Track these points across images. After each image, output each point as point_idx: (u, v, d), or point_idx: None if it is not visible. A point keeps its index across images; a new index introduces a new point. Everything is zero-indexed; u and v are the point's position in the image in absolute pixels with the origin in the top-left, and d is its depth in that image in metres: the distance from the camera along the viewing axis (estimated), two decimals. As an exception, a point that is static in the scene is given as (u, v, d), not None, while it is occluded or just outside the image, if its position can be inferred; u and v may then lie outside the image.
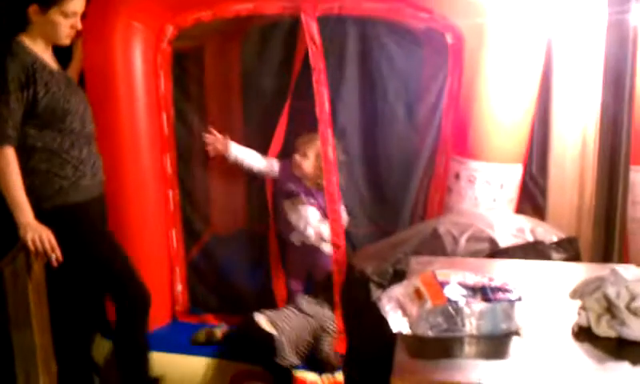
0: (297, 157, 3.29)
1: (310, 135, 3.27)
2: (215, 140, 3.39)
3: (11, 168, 2.45)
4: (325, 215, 3.28)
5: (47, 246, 2.48)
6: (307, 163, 3.27)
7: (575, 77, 2.84)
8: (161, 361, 3.10)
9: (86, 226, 2.70)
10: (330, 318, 3.12)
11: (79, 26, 2.61)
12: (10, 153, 2.46)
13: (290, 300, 3.40)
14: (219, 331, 3.26)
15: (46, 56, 2.61)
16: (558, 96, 2.91)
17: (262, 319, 3.07)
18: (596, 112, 2.61)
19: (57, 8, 2.52)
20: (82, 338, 2.93)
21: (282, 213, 3.41)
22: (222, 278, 3.66)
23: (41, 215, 2.51)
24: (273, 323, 3.05)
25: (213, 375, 3.08)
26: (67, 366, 2.79)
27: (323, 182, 3.21)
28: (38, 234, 2.46)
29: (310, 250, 3.37)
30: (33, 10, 2.51)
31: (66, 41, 2.62)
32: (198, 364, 3.08)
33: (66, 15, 2.54)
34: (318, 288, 3.33)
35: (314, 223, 3.29)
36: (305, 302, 3.21)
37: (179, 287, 3.48)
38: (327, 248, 3.32)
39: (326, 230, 3.27)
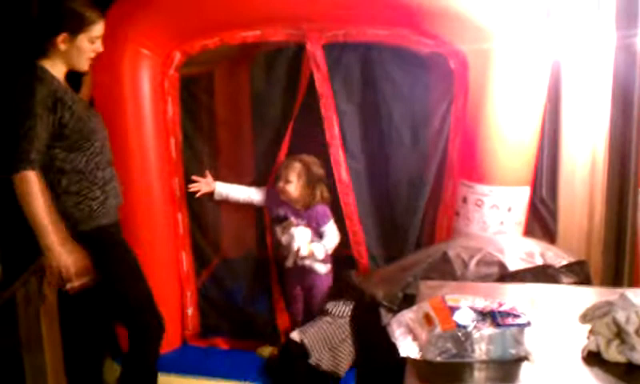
0: (280, 184, 3.32)
1: (288, 160, 3.33)
2: (200, 185, 3.45)
3: (34, 191, 2.45)
4: (316, 234, 3.32)
5: (65, 274, 2.49)
6: (291, 187, 3.30)
7: (584, 99, 2.84)
8: (171, 383, 3.11)
9: (118, 245, 2.73)
10: None
11: (101, 48, 2.66)
12: (33, 177, 2.46)
13: (293, 325, 3.41)
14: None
15: (63, 81, 2.64)
16: (567, 118, 2.91)
17: (295, 334, 3.15)
18: (605, 134, 2.62)
19: (84, 34, 2.56)
20: (93, 360, 2.94)
21: (274, 239, 3.43)
22: (230, 301, 3.66)
23: (79, 237, 2.54)
24: (302, 332, 3.13)
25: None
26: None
27: (313, 201, 3.31)
28: (56, 260, 2.47)
29: (305, 272, 3.38)
30: (62, 38, 2.54)
31: (86, 66, 2.66)
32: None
33: (92, 41, 2.59)
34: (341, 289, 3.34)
35: (305, 243, 3.29)
36: (332, 306, 3.25)
37: (190, 310, 3.49)
38: (322, 268, 3.36)
39: (318, 249, 3.29)
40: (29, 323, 2.65)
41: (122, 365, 2.91)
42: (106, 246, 2.67)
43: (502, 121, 2.85)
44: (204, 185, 3.46)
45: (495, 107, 2.85)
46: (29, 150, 2.44)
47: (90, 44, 2.59)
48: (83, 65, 2.64)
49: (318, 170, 3.33)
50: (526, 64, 2.82)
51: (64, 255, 2.48)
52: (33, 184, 2.45)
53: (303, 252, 3.28)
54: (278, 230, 3.38)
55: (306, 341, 3.07)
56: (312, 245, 3.30)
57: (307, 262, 3.34)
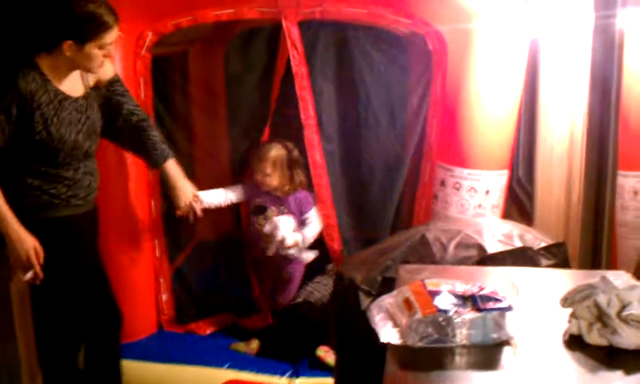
0: (258, 178, 3.26)
1: (264, 148, 3.25)
2: (195, 206, 3.05)
3: None
4: (299, 222, 3.27)
5: (31, 258, 2.43)
6: (270, 179, 3.24)
7: (562, 80, 2.83)
8: (147, 370, 3.07)
9: (74, 239, 2.66)
10: None
11: (112, 53, 2.56)
12: None
13: (273, 305, 3.44)
14: (254, 344, 3.29)
15: (67, 80, 2.54)
16: (545, 100, 2.89)
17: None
18: (583, 115, 2.61)
19: (93, 43, 2.44)
20: (68, 348, 2.88)
21: (254, 231, 3.36)
22: (207, 284, 3.63)
23: (32, 224, 2.47)
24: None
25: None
26: (53, 377, 2.74)
27: (293, 187, 3.27)
28: (20, 247, 2.41)
29: (285, 260, 3.33)
30: (67, 45, 2.42)
31: (97, 70, 2.57)
32: (185, 373, 3.05)
33: (102, 47, 2.46)
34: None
35: (289, 232, 3.23)
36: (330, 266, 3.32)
37: (164, 296, 3.45)
38: (305, 255, 3.32)
39: (302, 237, 3.25)
40: (1, 313, 2.59)
41: (84, 356, 2.88)
42: (64, 235, 2.60)
43: (480, 103, 2.84)
44: (198, 205, 3.04)
45: (474, 89, 2.84)
46: None
47: (99, 50, 2.45)
48: (94, 69, 2.54)
49: (296, 155, 3.26)
50: (504, 44, 2.80)
51: (28, 239, 2.43)
52: None
53: (289, 241, 3.21)
54: (259, 219, 3.32)
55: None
56: (296, 234, 3.24)
57: (291, 251, 3.26)
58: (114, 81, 2.74)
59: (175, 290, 3.50)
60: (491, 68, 2.82)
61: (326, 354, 3.05)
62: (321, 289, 3.30)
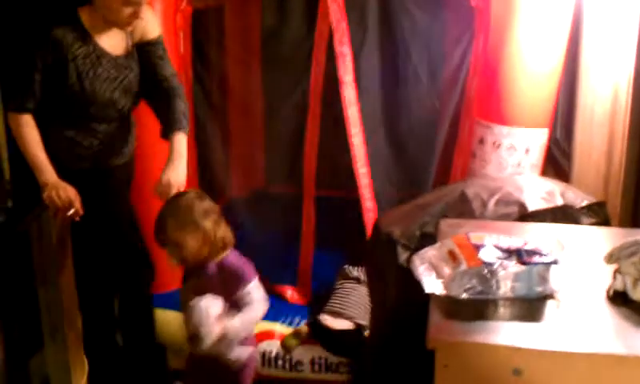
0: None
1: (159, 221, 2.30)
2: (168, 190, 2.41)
3: (29, 130, 2.45)
4: (231, 302, 2.26)
5: (66, 202, 2.47)
6: (178, 254, 2.27)
7: (607, 37, 2.77)
8: (176, 318, 3.12)
9: (107, 190, 2.70)
10: None
11: (142, 16, 2.48)
12: (28, 118, 2.45)
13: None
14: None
15: (108, 36, 2.52)
16: (588, 58, 2.84)
17: (328, 319, 2.94)
18: (629, 76, 2.56)
19: None
20: (106, 296, 2.95)
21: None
22: (239, 240, 3.64)
23: (66, 174, 2.51)
24: (338, 314, 2.95)
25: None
26: (92, 323, 2.80)
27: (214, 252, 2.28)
28: (55, 190, 2.45)
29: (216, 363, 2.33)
30: None
31: (125, 28, 2.52)
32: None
33: (126, 3, 2.39)
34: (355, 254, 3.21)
35: (212, 320, 2.21)
36: (351, 270, 3.13)
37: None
38: (236, 355, 2.33)
39: (234, 326, 2.23)
40: (42, 257, 2.63)
41: (118, 304, 2.94)
42: (98, 186, 2.64)
43: (523, 60, 2.79)
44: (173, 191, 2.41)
45: (517, 46, 2.79)
46: (24, 96, 2.43)
47: (123, 6, 2.39)
48: (119, 24, 2.48)
49: (204, 204, 2.28)
50: (548, 1, 2.75)
51: (62, 184, 2.46)
52: (28, 123, 2.45)
53: (207, 335, 2.19)
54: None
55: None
56: (226, 321, 2.23)
57: (221, 348, 2.25)
58: (155, 42, 2.67)
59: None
60: (534, 25, 2.77)
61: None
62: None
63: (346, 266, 3.19)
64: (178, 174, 2.43)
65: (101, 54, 2.52)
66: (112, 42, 2.55)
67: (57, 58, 2.43)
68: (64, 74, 2.45)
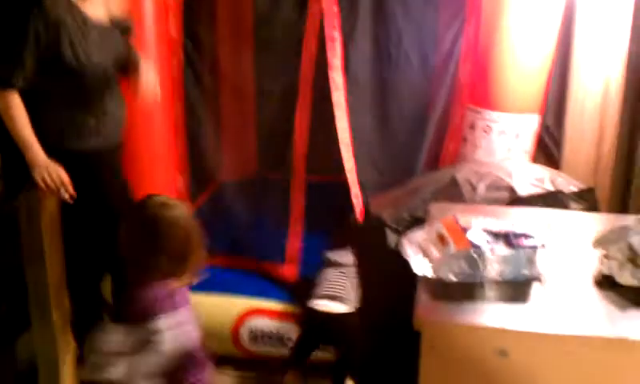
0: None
1: None
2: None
3: (17, 110, 2.42)
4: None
5: (58, 182, 2.46)
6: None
7: (600, 24, 2.77)
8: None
9: (102, 173, 2.68)
10: None
11: None
12: (16, 97, 2.42)
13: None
14: None
15: (90, 5, 2.51)
16: (580, 44, 2.85)
17: (322, 305, 2.89)
18: (620, 71, 2.56)
19: None
20: (94, 276, 2.94)
21: None
22: (229, 224, 3.63)
23: (58, 156, 2.50)
24: (333, 298, 2.88)
25: (219, 312, 3.09)
26: (79, 303, 2.80)
27: None
28: (47, 171, 2.44)
29: None
30: None
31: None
32: (206, 301, 3.07)
33: None
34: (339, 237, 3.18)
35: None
36: (334, 256, 3.06)
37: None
38: None
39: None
40: (31, 236, 2.62)
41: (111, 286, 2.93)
42: (91, 169, 2.62)
43: (515, 45, 2.78)
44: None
45: (508, 31, 2.78)
46: (13, 72, 2.38)
47: None
48: None
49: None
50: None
51: (52, 164, 2.45)
52: (16, 102, 2.42)
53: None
54: None
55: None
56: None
57: None
58: (128, 26, 2.72)
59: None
60: (526, 10, 2.76)
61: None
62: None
63: (327, 252, 3.15)
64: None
65: (89, 22, 2.51)
66: (96, 12, 2.54)
67: (50, 31, 2.40)
68: (57, 44, 2.42)
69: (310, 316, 2.91)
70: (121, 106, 2.71)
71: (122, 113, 2.72)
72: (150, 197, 2.06)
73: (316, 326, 2.89)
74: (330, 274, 2.99)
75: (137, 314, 1.95)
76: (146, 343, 1.92)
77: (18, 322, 2.88)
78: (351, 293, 2.88)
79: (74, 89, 2.52)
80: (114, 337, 1.96)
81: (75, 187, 2.52)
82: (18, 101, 2.43)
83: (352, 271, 2.92)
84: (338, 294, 2.89)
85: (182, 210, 2.01)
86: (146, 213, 2.00)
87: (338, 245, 3.07)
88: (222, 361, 3.12)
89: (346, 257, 2.99)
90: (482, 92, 2.92)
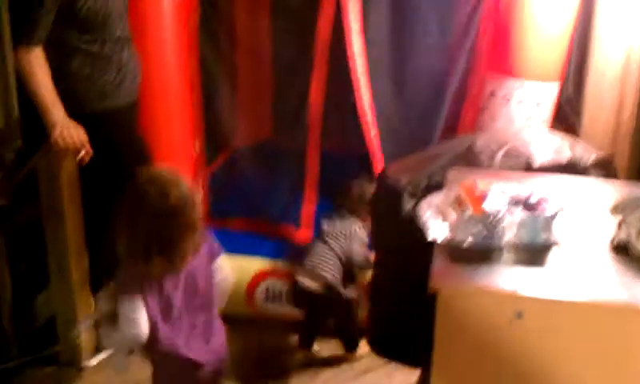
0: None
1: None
2: None
3: (40, 69, 2.44)
4: None
5: (77, 142, 2.48)
6: None
7: (621, 2, 2.74)
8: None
9: (122, 132, 2.71)
10: (358, 228, 3.03)
11: None
12: (39, 53, 2.43)
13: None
14: None
15: None
16: (602, 12, 2.80)
17: (305, 281, 2.95)
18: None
19: None
20: (112, 235, 2.97)
21: None
22: (243, 187, 3.64)
23: (79, 119, 2.51)
24: (314, 277, 2.92)
25: (234, 273, 3.09)
26: (97, 258, 2.83)
27: None
28: (66, 130, 2.46)
29: None
30: None
31: None
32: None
33: None
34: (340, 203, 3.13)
35: None
36: (327, 225, 3.05)
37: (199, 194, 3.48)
38: None
39: None
40: (50, 196, 2.66)
41: None
42: (112, 129, 2.64)
43: (535, 11, 2.75)
44: None
45: (529, -1, 2.76)
46: (34, 26, 2.40)
47: None
48: None
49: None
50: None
51: (72, 123, 2.47)
52: (39, 60, 2.43)
53: None
54: None
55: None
56: None
57: None
58: None
59: (210, 191, 3.52)
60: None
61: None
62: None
63: (323, 220, 3.12)
64: None
65: None
66: None
67: None
68: None
69: (297, 295, 2.96)
70: (137, 61, 2.72)
71: (138, 68, 2.73)
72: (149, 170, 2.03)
73: (306, 305, 2.94)
74: (319, 246, 3.00)
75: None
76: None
77: (37, 280, 2.93)
78: (333, 268, 2.90)
79: (91, 43, 2.53)
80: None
81: (93, 146, 2.54)
82: (42, 59, 2.44)
83: (341, 243, 2.94)
84: (318, 270, 2.91)
85: (175, 191, 1.91)
86: (135, 185, 1.96)
87: (337, 213, 3.07)
88: (236, 321, 3.19)
89: (340, 226, 3.00)
90: (501, 59, 2.90)
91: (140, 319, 1.93)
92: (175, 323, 2.02)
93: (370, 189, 2.66)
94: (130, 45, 2.69)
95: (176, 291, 2.00)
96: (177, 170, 2.01)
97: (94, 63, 2.55)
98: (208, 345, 2.10)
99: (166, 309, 2.00)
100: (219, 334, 2.16)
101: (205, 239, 2.06)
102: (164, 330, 1.99)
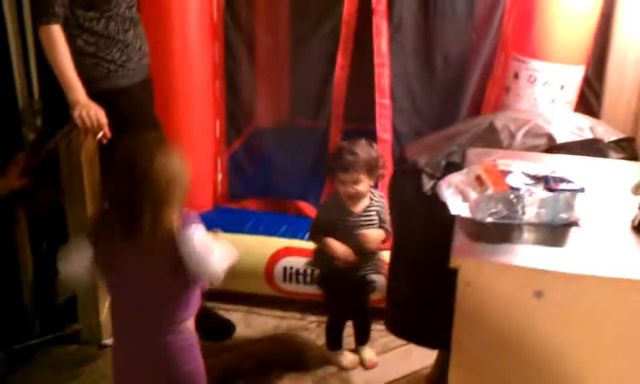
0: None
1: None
2: None
3: (60, 46, 2.45)
4: None
5: (95, 122, 2.49)
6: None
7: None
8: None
9: (131, 109, 2.71)
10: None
11: None
12: (58, 30, 2.45)
13: None
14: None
15: None
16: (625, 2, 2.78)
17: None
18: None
19: None
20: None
21: None
22: (262, 168, 3.65)
23: (95, 97, 2.53)
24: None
25: (254, 251, 3.14)
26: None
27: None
28: (86, 110, 2.47)
29: None
30: None
31: None
32: (241, 241, 3.11)
33: None
34: None
35: None
36: None
37: (220, 176, 3.51)
38: None
39: None
40: (71, 173, 2.69)
41: None
42: (120, 107, 2.65)
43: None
44: None
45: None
46: (52, 3, 2.42)
47: None
48: None
49: None
50: None
51: (92, 104, 2.48)
52: (59, 37, 2.45)
53: None
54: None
55: None
56: None
57: None
58: None
59: (230, 172, 3.54)
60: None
61: None
62: None
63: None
64: None
65: None
66: None
67: None
68: None
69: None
70: (143, 39, 2.73)
71: (146, 46, 2.74)
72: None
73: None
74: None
75: None
76: None
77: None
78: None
79: (95, 21, 2.54)
80: None
81: (110, 126, 2.56)
82: (62, 36, 2.46)
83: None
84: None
85: (161, 159, 1.83)
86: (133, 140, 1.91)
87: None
88: (255, 300, 3.22)
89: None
90: (527, 41, 2.87)
91: (71, 259, 1.93)
92: (124, 300, 1.99)
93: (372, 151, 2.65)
94: (138, 25, 2.68)
95: (129, 265, 1.91)
96: (179, 150, 1.96)
97: (98, 42, 2.56)
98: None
99: (118, 275, 1.95)
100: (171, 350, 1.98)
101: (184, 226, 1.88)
102: (113, 293, 2.02)
